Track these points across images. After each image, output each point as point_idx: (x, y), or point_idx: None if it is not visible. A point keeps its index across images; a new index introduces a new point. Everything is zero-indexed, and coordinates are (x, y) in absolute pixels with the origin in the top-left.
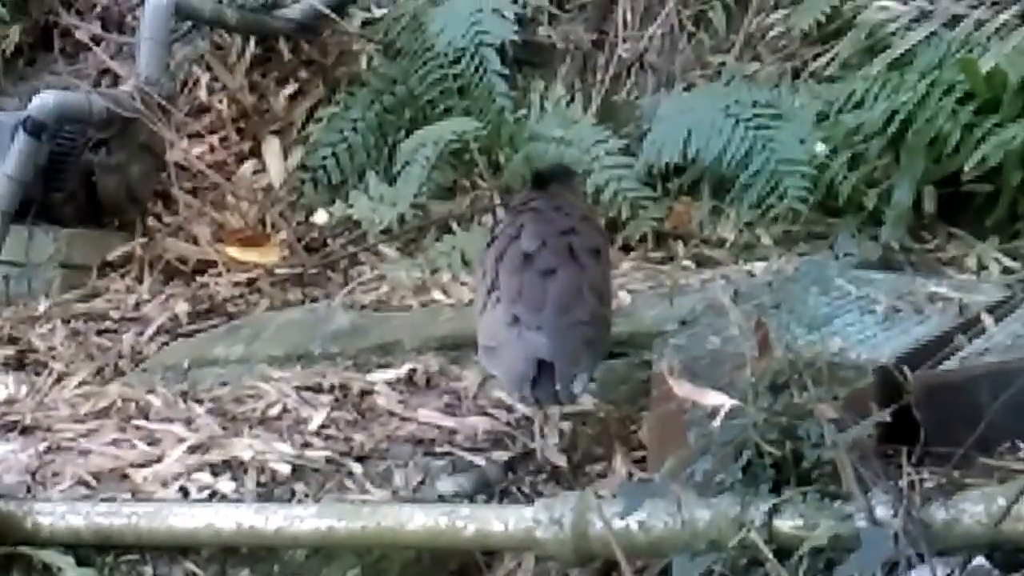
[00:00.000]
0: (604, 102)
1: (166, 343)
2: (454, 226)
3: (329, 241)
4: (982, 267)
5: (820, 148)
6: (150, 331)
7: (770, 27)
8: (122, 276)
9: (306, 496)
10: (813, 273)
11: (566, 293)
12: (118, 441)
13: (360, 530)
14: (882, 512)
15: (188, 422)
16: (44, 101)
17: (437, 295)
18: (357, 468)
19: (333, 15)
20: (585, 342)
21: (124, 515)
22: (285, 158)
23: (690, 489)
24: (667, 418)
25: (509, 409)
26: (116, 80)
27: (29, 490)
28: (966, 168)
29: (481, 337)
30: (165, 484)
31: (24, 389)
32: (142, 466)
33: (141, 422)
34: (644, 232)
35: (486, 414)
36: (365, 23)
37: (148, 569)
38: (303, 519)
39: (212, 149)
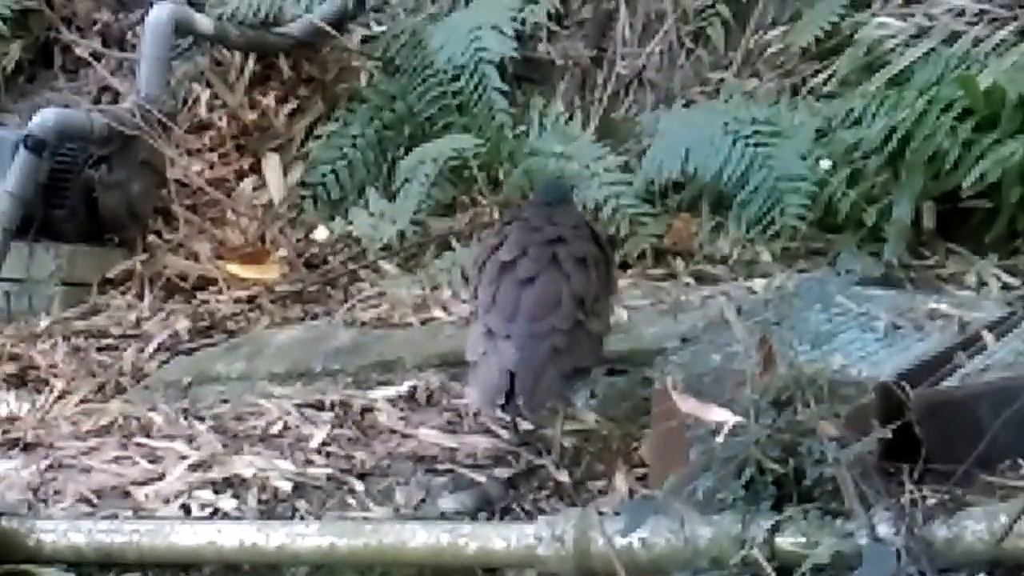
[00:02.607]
0: (603, 118)
1: (167, 360)
2: (454, 243)
3: (329, 258)
4: (982, 284)
5: (825, 163)
6: (151, 348)
7: (769, 44)
8: (123, 293)
9: (308, 513)
10: (814, 290)
11: (542, 301)
12: (120, 458)
13: (362, 547)
14: (884, 529)
15: (189, 439)
16: (45, 118)
17: (437, 312)
18: (359, 485)
19: (333, 32)
20: (555, 350)
21: (126, 532)
22: (285, 175)
23: (692, 506)
24: (668, 435)
25: (512, 426)
26: (116, 97)
27: (31, 507)
28: (965, 185)
29: (467, 353)
30: (167, 501)
31: (25, 406)
32: (144, 483)
33: (142, 439)
34: (643, 248)
35: (487, 431)
36: (365, 40)
37: None
38: (305, 536)
39: (212, 166)
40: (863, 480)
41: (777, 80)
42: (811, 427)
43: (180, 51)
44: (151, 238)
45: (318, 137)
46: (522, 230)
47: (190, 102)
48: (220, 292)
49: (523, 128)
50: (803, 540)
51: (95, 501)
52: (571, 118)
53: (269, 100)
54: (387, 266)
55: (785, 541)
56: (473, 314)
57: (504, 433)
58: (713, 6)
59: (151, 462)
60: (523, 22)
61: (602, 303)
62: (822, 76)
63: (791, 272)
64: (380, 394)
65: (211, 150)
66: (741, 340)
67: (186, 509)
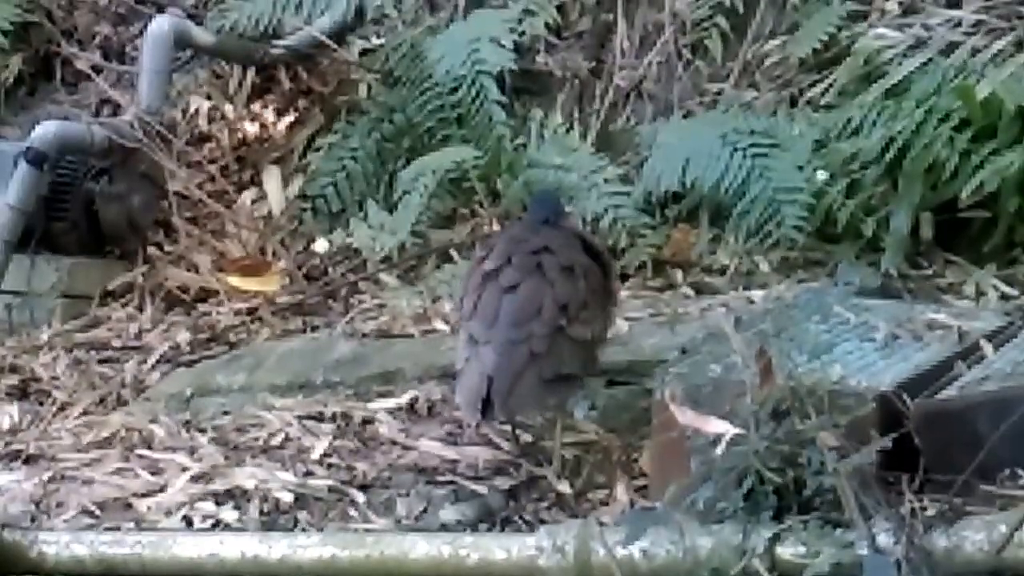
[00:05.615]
0: (602, 130)
1: (168, 372)
2: (454, 254)
3: (329, 269)
4: (980, 294)
5: (821, 175)
6: (152, 360)
7: (767, 55)
8: (123, 305)
9: (309, 525)
10: (813, 301)
11: (523, 307)
12: (121, 470)
13: (363, 559)
14: (884, 540)
15: (191, 451)
16: (46, 131)
17: (438, 323)
18: (360, 497)
19: (332, 44)
20: (532, 355)
21: (128, 544)
22: (285, 187)
23: (692, 517)
24: (668, 446)
25: (512, 437)
26: (117, 110)
27: (33, 520)
28: (963, 195)
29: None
30: (169, 513)
31: (27, 418)
32: (146, 495)
33: (144, 451)
34: (642, 260)
35: (488, 442)
36: (364, 52)
37: None
38: (306, 548)
39: (212, 178)
40: (863, 490)
41: (775, 91)
42: (811, 437)
43: (180, 64)
44: (151, 250)
45: (318, 149)
46: (509, 242)
47: (190, 114)
48: (220, 304)
49: (522, 140)
50: (803, 550)
51: (97, 513)
52: (570, 130)
53: (269, 112)
54: (387, 278)
55: (785, 551)
56: (459, 322)
57: (505, 444)
58: (711, 18)
59: (153, 474)
60: (521, 34)
61: (592, 311)
62: (820, 87)
63: (790, 283)
64: (381, 405)
65: (211, 162)
66: (739, 352)
67: (188, 521)
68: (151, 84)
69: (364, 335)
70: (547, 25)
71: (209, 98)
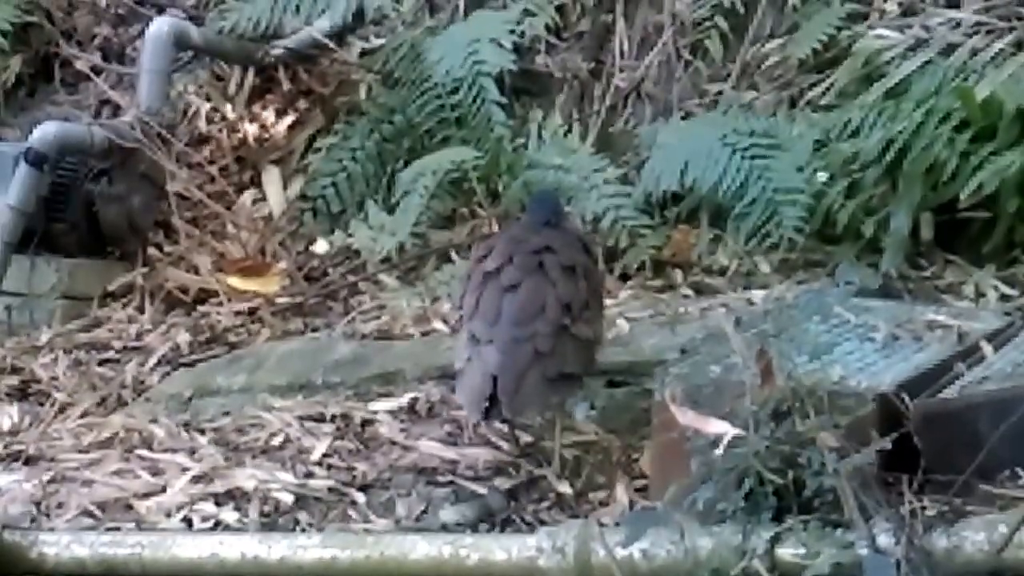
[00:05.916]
0: (602, 131)
1: (168, 373)
2: (454, 255)
3: (329, 270)
4: (980, 294)
5: (821, 175)
6: (152, 361)
7: (767, 56)
8: (124, 306)
9: (309, 525)
10: (813, 301)
11: (525, 306)
12: (122, 471)
13: (364, 559)
14: (884, 540)
15: (191, 452)
16: (45, 132)
17: (438, 324)
18: (360, 497)
19: (332, 45)
20: (537, 354)
21: (128, 545)
22: (285, 188)
23: (692, 517)
24: (669, 446)
25: (512, 437)
26: (117, 111)
27: (34, 520)
28: (963, 195)
29: (455, 361)
30: (169, 514)
31: (27, 419)
32: (146, 496)
33: (144, 452)
34: (643, 260)
35: (488, 443)
36: (364, 53)
37: None
38: (307, 548)
39: (212, 179)
40: (863, 491)
41: (775, 92)
42: (811, 438)
43: (180, 64)
44: (152, 251)
45: (318, 150)
46: (509, 242)
47: (190, 115)
48: (221, 305)
49: (522, 140)
50: (803, 551)
51: (97, 514)
52: (569, 130)
53: (269, 113)
54: (387, 278)
55: (785, 552)
56: (459, 322)
57: (504, 444)
58: (711, 18)
59: (153, 475)
60: (521, 35)
61: (592, 311)
62: (820, 88)
63: (789, 284)
64: (381, 406)
65: (211, 163)
66: (739, 352)
67: (188, 522)
68: (151, 85)
69: (364, 336)
70: (547, 26)
71: (209, 99)
